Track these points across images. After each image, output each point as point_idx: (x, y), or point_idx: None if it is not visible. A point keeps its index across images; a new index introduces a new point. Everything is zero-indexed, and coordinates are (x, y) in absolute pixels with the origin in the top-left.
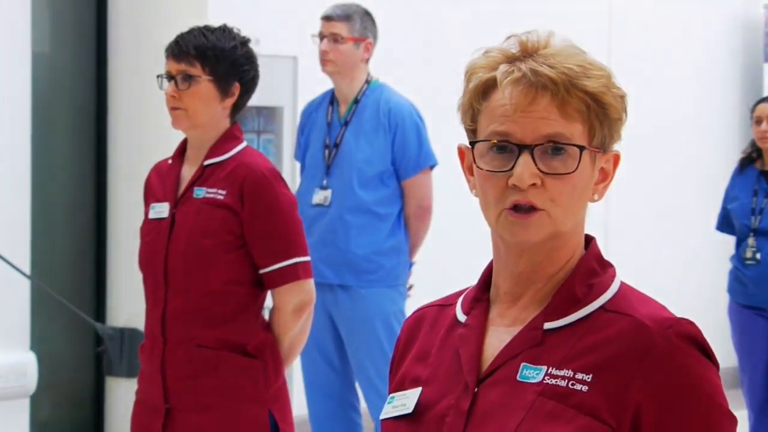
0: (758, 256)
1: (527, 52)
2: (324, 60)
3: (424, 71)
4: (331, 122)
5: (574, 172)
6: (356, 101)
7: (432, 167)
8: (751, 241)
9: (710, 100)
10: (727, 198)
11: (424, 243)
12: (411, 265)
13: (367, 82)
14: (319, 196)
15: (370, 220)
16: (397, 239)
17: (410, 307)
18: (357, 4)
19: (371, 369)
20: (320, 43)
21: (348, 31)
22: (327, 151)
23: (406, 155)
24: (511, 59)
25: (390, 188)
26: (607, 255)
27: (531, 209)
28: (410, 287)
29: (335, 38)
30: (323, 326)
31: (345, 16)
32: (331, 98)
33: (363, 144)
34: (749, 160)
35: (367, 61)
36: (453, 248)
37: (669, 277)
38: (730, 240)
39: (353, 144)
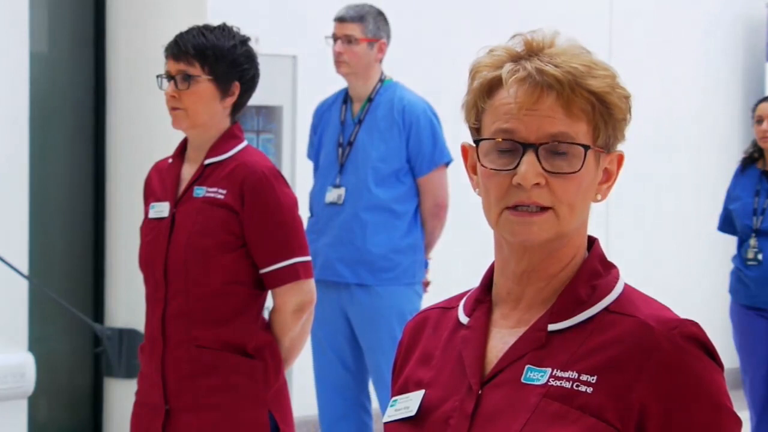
0: (760, 256)
1: (532, 51)
2: (338, 61)
3: (435, 70)
4: (344, 121)
5: (578, 171)
6: (370, 100)
7: (447, 164)
8: (752, 241)
9: (712, 100)
10: (729, 198)
11: (439, 240)
12: (426, 263)
13: (381, 80)
14: (333, 195)
15: (387, 217)
16: (413, 237)
17: (426, 305)
18: (369, 4)
19: (386, 368)
20: (334, 44)
21: (361, 32)
22: (340, 150)
23: (420, 152)
24: (516, 58)
25: (406, 185)
26: (608, 255)
27: (538, 209)
28: (427, 284)
29: (349, 39)
30: (338, 325)
31: (358, 17)
32: (345, 97)
33: (377, 142)
34: (751, 160)
35: (380, 61)
36: (468, 245)
37: (670, 278)
38: (731, 240)
39: (367, 142)
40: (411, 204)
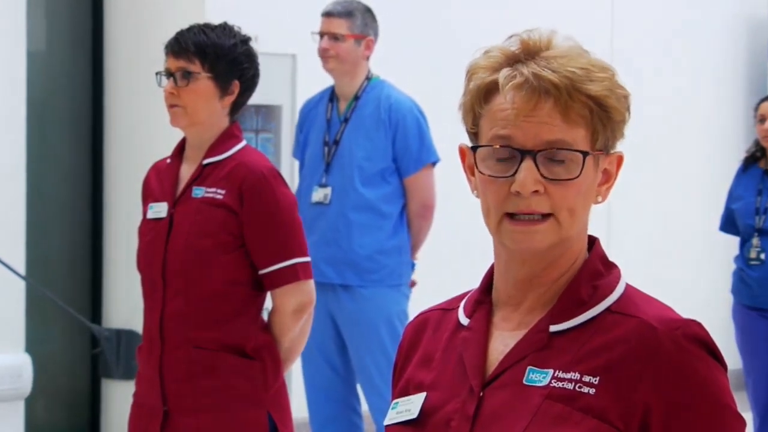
0: (762, 256)
1: (529, 52)
2: (325, 58)
3: (425, 69)
4: (330, 119)
5: (576, 178)
6: (356, 98)
7: (434, 164)
8: (755, 241)
9: (714, 100)
10: (731, 198)
11: (426, 241)
12: (413, 265)
13: (368, 78)
14: (319, 194)
15: (374, 218)
16: (399, 238)
17: (413, 306)
18: (358, 0)
19: (373, 370)
20: (320, 40)
21: (349, 29)
22: (326, 149)
23: (407, 152)
24: (513, 60)
25: (392, 185)
26: (609, 256)
27: (538, 217)
28: (413, 284)
29: (336, 36)
30: (325, 327)
31: (346, 12)
32: (331, 95)
33: (363, 141)
34: (753, 159)
35: (368, 58)
36: (456, 247)
37: (672, 278)
38: (733, 241)
39: (353, 141)
40: (397, 204)
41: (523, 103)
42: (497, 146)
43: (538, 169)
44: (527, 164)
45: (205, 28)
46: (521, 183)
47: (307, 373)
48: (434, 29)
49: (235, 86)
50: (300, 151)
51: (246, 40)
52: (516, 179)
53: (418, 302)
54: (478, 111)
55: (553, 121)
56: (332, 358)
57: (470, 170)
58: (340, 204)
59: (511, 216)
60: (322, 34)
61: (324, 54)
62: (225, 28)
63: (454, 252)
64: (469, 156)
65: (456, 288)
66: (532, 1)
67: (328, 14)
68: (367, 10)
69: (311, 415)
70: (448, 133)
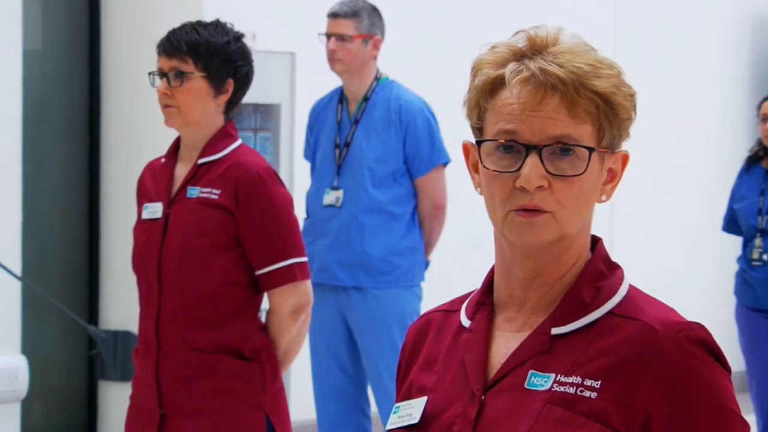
0: (765, 257)
1: (536, 48)
2: (332, 59)
3: (433, 67)
4: (341, 121)
5: (582, 174)
6: (366, 99)
7: (445, 164)
8: (758, 241)
9: (718, 99)
10: (734, 198)
11: (439, 241)
12: (427, 264)
13: (377, 79)
14: (331, 197)
15: (385, 220)
16: (411, 239)
17: (426, 307)
18: None
19: (384, 372)
20: (327, 41)
21: (355, 29)
22: (337, 151)
23: (418, 153)
24: (519, 56)
25: (403, 187)
26: (612, 256)
27: (537, 210)
28: None
29: (343, 37)
30: (336, 329)
31: (352, 13)
32: (340, 96)
33: (374, 142)
34: (755, 158)
35: (375, 57)
36: (467, 246)
37: (674, 279)
38: (736, 241)
39: (364, 143)
40: (409, 205)
41: (529, 97)
42: (502, 140)
43: (543, 165)
44: (532, 159)
45: (197, 27)
46: (526, 178)
47: (318, 375)
48: (437, 28)
49: (230, 84)
50: (311, 153)
51: (239, 37)
52: (521, 174)
53: (431, 302)
54: (484, 106)
55: (559, 116)
56: (343, 360)
57: (474, 167)
58: (352, 207)
59: (516, 210)
60: (328, 36)
61: (332, 55)
62: (217, 26)
63: (466, 252)
64: (473, 152)
65: (469, 288)
66: (535, 0)
67: (334, 15)
68: (374, 9)
69: (320, 416)
70: (458, 133)
